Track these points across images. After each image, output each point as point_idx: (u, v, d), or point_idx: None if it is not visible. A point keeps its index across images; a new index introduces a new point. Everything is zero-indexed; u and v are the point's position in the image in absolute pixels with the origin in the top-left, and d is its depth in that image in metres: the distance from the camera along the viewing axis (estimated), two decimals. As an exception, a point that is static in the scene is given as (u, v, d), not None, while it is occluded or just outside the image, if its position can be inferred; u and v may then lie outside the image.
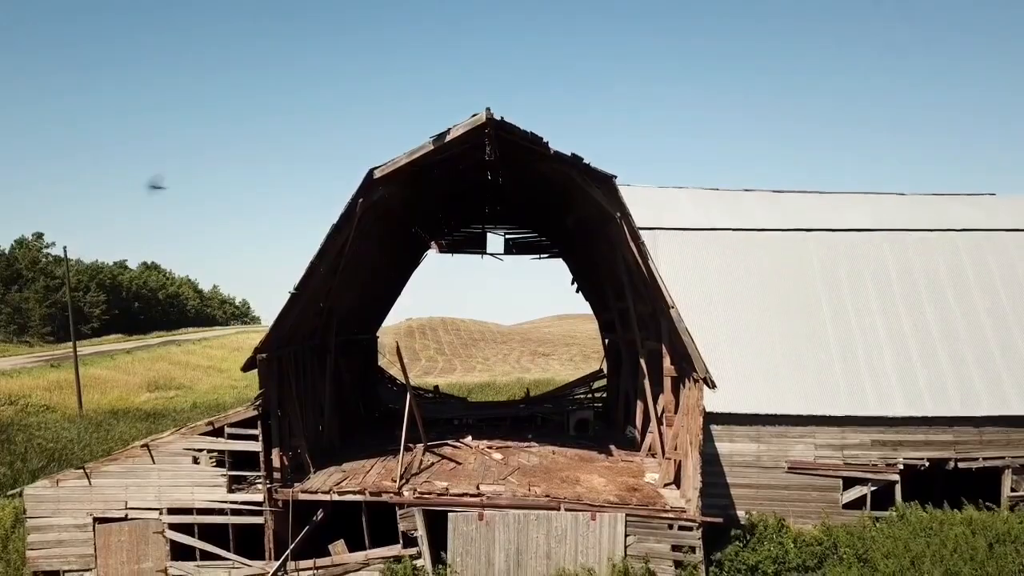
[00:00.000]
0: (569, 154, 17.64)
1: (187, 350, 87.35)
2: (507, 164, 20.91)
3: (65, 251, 48.69)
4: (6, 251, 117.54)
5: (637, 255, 18.72)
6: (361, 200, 18.36)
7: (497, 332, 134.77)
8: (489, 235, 33.93)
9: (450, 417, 28.36)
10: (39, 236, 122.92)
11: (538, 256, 33.95)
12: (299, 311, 19.44)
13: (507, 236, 33.83)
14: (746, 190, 28.75)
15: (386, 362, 38.02)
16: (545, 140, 17.30)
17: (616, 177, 18.06)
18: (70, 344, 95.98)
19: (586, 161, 17.79)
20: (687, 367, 19.22)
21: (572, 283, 33.45)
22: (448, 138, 17.09)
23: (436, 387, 33.90)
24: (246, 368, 18.63)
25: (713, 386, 17.75)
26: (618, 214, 18.32)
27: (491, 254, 33.89)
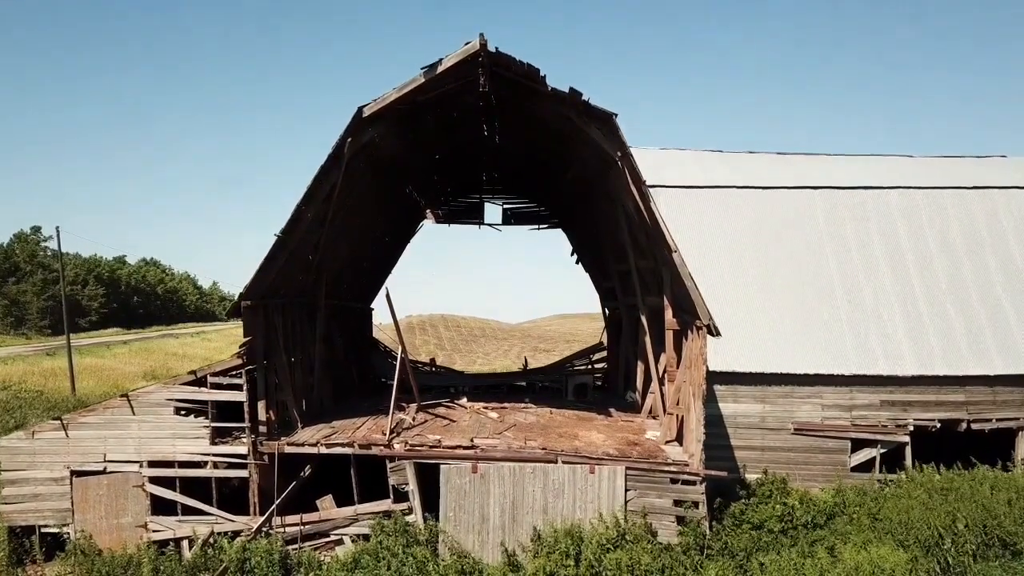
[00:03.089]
0: (567, 90, 16.89)
1: (185, 343, 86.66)
2: (503, 108, 20.16)
3: (58, 231, 48.03)
4: (4, 245, 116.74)
5: (638, 198, 17.96)
6: (350, 140, 17.62)
7: (498, 329, 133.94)
8: (487, 205, 33.27)
9: (446, 385, 27.60)
10: (37, 230, 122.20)
11: (537, 227, 33.26)
12: (286, 260, 18.68)
13: (505, 206, 33.13)
14: (751, 152, 27.97)
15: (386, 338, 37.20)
16: (542, 74, 16.54)
17: (617, 115, 17.28)
18: (67, 337, 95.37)
19: (585, 97, 17.03)
20: (689, 318, 18.47)
21: (572, 254, 32.72)
22: (440, 69, 16.32)
23: (433, 359, 33.15)
24: (230, 315, 17.89)
25: (717, 333, 17.00)
26: (619, 154, 17.56)
27: (489, 224, 33.23)
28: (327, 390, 23.28)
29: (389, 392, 21.46)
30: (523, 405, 23.45)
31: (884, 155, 28.11)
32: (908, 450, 21.60)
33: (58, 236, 48.01)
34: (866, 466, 21.60)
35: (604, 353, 31.84)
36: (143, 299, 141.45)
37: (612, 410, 23.17)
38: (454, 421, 20.59)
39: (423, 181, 27.93)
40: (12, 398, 45.02)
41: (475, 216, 33.13)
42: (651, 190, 22.81)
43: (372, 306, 32.73)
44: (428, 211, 32.28)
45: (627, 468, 17.32)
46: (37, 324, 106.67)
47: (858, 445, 21.67)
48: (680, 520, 17.29)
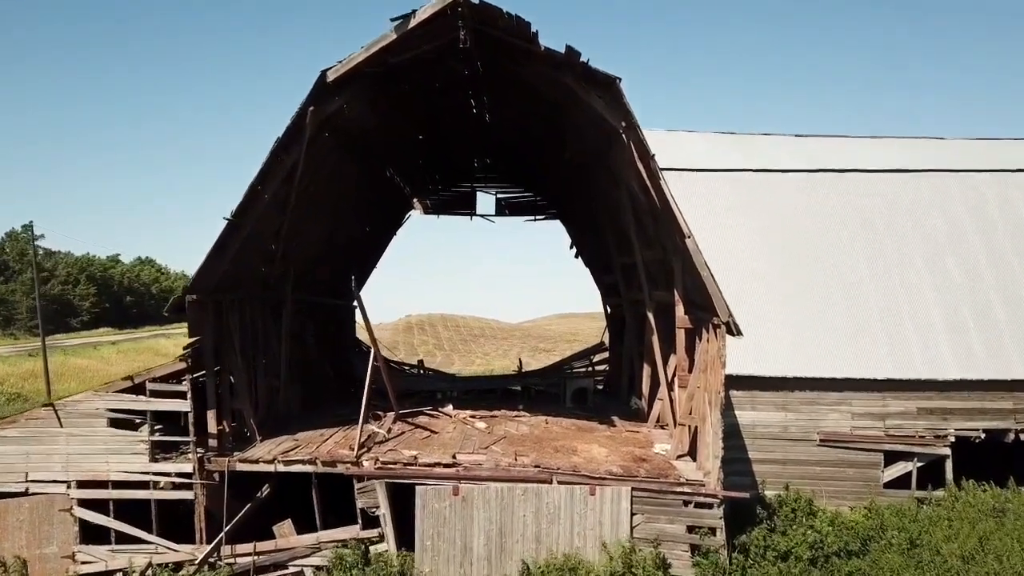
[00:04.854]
0: (563, 50, 14.45)
1: (178, 342, 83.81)
2: (491, 77, 17.76)
3: (31, 226, 45.58)
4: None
5: (646, 176, 15.53)
6: (312, 109, 15.19)
7: (498, 329, 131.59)
8: (479, 195, 30.87)
9: (432, 390, 25.14)
10: (28, 228, 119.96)
11: (533, 217, 30.88)
12: (241, 249, 16.26)
13: (499, 196, 30.72)
14: (766, 134, 25.51)
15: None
16: (533, 29, 14.11)
17: (620, 80, 14.82)
18: (57, 336, 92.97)
19: (584, 59, 14.60)
20: (704, 314, 16.06)
21: (571, 247, 30.30)
22: (414, 22, 13.93)
23: (420, 361, 30.70)
24: (170, 311, 15.48)
25: (738, 332, 14.57)
26: (623, 124, 15.12)
27: (481, 215, 30.85)
28: (296, 396, 20.85)
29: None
30: (515, 413, 21.02)
31: (912, 137, 25.65)
32: (949, 464, 19.21)
33: (31, 232, 45.46)
34: (901, 482, 19.19)
35: (606, 354, 29.37)
36: (137, 298, 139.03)
37: (615, 418, 20.72)
38: (436, 433, 18.16)
39: (407, 165, 25.47)
40: (-15, 400, 42.73)
41: (466, 206, 30.73)
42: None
43: (353, 303, 30.27)
44: (415, 201, 29.83)
45: (633, 489, 14.93)
46: (26, 324, 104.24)
47: (892, 458, 19.27)
48: (695, 549, 14.90)
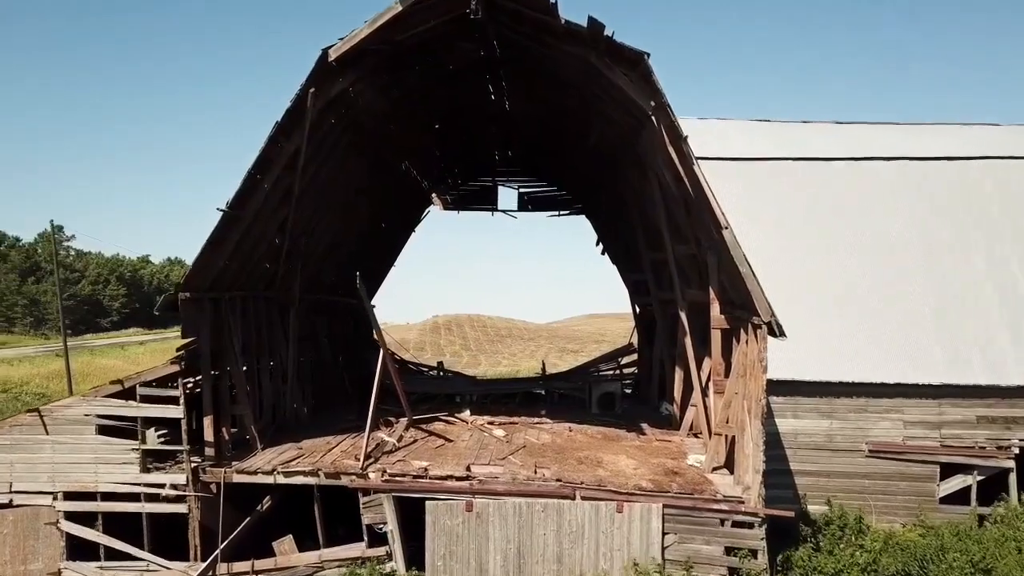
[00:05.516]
0: (585, 23, 13.09)
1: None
2: (508, 59, 16.48)
3: (52, 224, 45.21)
4: (26, 244, 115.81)
5: (678, 161, 14.11)
6: (313, 91, 14.01)
7: (524, 329, 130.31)
8: (501, 189, 29.60)
9: (451, 393, 23.87)
10: (59, 229, 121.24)
11: (556, 213, 29.50)
12: (241, 243, 15.19)
13: (521, 190, 29.42)
14: (804, 121, 23.86)
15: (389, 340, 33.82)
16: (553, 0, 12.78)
17: (649, 55, 13.40)
18: (86, 337, 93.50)
19: (608, 33, 13.22)
20: (743, 314, 14.61)
21: (597, 243, 28.86)
22: (420, -8, 12.66)
23: (440, 362, 29.46)
24: (162, 309, 14.38)
25: (781, 333, 13.10)
26: (652, 104, 13.69)
27: (503, 211, 29.58)
28: (302, 398, 19.70)
29: (385, 400, 18.03)
30: (536, 419, 19.66)
31: (964, 123, 23.81)
32: (1013, 477, 17.58)
33: (52, 229, 45.06)
34: (959, 496, 17.59)
35: (634, 356, 27.88)
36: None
37: (645, 426, 19.28)
38: (451, 441, 16.88)
39: (424, 158, 24.24)
40: (11, 400, 42.45)
41: (487, 202, 29.47)
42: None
43: (373, 303, 29.14)
44: (434, 196, 28.61)
45: (665, 505, 13.55)
46: (57, 324, 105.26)
47: (949, 471, 17.68)
48: (733, 573, 13.45)
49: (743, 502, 13.59)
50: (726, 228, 13.41)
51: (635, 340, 28.16)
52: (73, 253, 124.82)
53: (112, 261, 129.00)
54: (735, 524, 13.62)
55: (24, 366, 56.81)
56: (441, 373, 28.24)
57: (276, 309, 18.52)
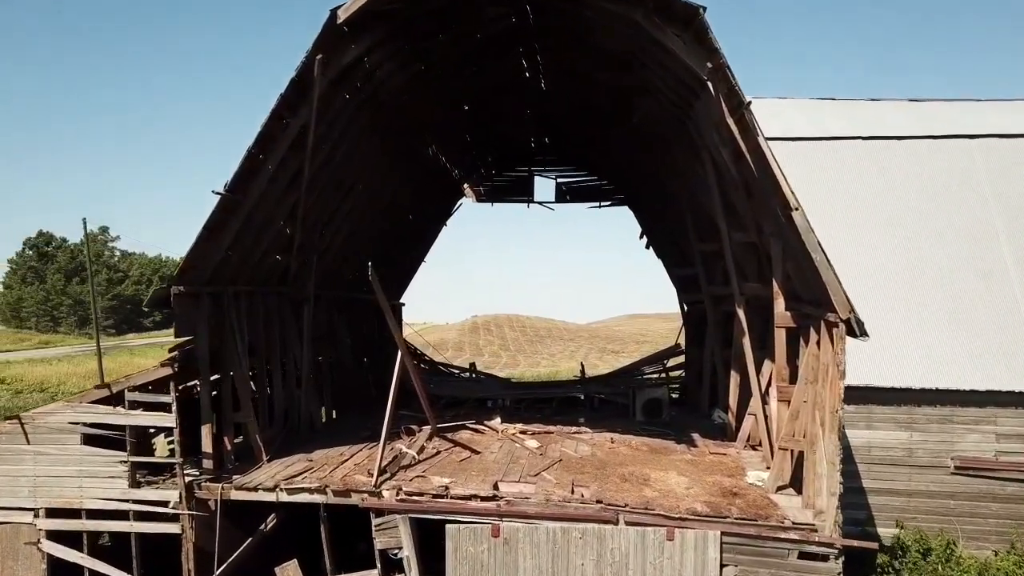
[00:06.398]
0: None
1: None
2: (542, 27, 14.69)
3: (85, 223, 44.66)
4: (71, 245, 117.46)
5: (738, 132, 12.14)
6: (320, 58, 12.35)
7: (564, 329, 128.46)
8: (537, 180, 27.80)
9: (484, 397, 22.07)
10: (104, 230, 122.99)
11: (597, 204, 27.59)
12: (242, 231, 13.62)
13: (559, 180, 27.56)
14: (872, 100, 21.59)
15: (418, 340, 32.27)
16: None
17: (705, 9, 11.46)
18: (128, 336, 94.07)
19: (658, -16, 11.34)
20: (813, 310, 12.60)
21: (640, 236, 26.88)
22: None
23: (473, 364, 27.74)
24: (151, 305, 12.89)
25: (862, 332, 11.09)
26: (708, 65, 11.74)
27: (539, 203, 27.77)
28: (321, 406, 18.14)
29: (409, 405, 16.40)
30: (574, 428, 17.78)
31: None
32: None
33: (85, 228, 44.53)
34: (1063, 521, 15.25)
35: (681, 358, 25.81)
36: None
37: (696, 436, 17.28)
38: (477, 452, 15.10)
39: (453, 143, 22.51)
40: (47, 400, 42.04)
41: (523, 193, 27.70)
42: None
43: (401, 301, 27.57)
44: (466, 187, 26.94)
45: (724, 533, 11.57)
46: (101, 324, 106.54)
47: (1050, 491, 15.35)
48: (804, 613, 11.44)
49: (816, 530, 11.59)
50: (796, 209, 11.42)
51: (682, 341, 26.09)
52: (118, 254, 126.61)
53: (155, 261, 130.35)
54: (802, 555, 11.63)
55: (63, 365, 56.97)
56: (473, 375, 26.50)
57: (289, 306, 16.97)
